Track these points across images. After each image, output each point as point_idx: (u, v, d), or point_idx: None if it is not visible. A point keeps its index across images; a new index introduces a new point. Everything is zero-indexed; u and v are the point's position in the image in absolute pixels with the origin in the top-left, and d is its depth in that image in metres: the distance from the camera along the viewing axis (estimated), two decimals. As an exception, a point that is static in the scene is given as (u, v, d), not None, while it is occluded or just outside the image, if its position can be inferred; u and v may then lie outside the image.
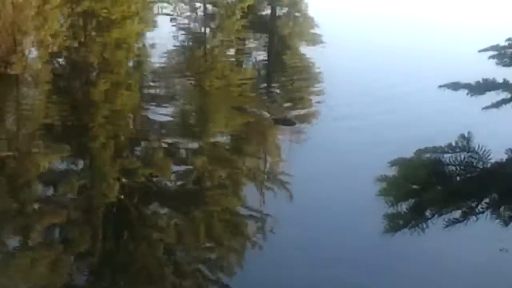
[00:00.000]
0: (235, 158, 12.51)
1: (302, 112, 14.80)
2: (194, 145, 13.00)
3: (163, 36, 21.12)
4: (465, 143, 3.93)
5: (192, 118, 14.90)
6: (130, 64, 18.72)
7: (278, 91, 17.50)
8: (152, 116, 14.17)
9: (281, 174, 11.50)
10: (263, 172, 11.94)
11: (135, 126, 13.96)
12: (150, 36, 21.19)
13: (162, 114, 14.25)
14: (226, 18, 24.82)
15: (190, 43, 22.63)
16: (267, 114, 14.05)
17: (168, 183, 11.34)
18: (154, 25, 23.26)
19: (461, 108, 12.69)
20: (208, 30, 24.39)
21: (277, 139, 13.43)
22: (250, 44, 23.06)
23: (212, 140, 13.34)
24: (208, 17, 25.55)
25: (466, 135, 3.96)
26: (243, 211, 10.23)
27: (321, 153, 12.13)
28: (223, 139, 13.56)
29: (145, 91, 16.45)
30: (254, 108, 14.46)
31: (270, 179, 11.49)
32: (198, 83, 17.44)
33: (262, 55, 21.86)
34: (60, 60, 18.11)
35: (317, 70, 19.08)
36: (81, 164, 11.72)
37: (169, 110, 14.75)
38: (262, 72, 20.21)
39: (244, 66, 20.53)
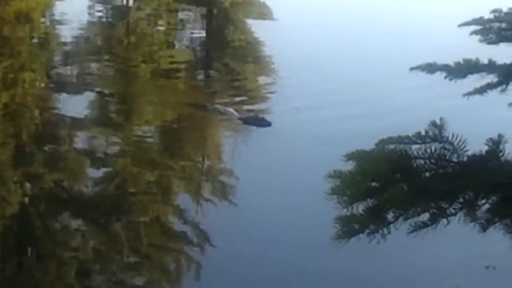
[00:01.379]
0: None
1: (256, 107, 14.85)
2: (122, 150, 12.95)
3: (76, 8, 20.94)
4: (436, 132, 3.92)
5: (119, 114, 14.77)
6: (35, 43, 18.49)
7: (222, 79, 17.56)
8: (62, 109, 14.05)
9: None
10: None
11: (41, 121, 13.80)
12: (60, 9, 21.00)
13: (75, 106, 14.13)
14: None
15: (109, 17, 22.48)
16: (234, 112, 14.07)
17: (84, 190, 11.26)
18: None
19: (436, 95, 12.93)
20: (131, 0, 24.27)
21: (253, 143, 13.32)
22: (184, 17, 23.05)
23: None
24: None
25: (438, 122, 3.94)
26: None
27: (277, 153, 12.25)
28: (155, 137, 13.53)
29: (54, 77, 16.29)
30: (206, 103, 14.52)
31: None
32: (121, 67, 17.37)
33: (199, 32, 21.89)
34: None
35: (267, 51, 19.18)
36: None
37: (84, 102, 14.65)
38: (200, 54, 20.23)
39: (177, 45, 20.50)
